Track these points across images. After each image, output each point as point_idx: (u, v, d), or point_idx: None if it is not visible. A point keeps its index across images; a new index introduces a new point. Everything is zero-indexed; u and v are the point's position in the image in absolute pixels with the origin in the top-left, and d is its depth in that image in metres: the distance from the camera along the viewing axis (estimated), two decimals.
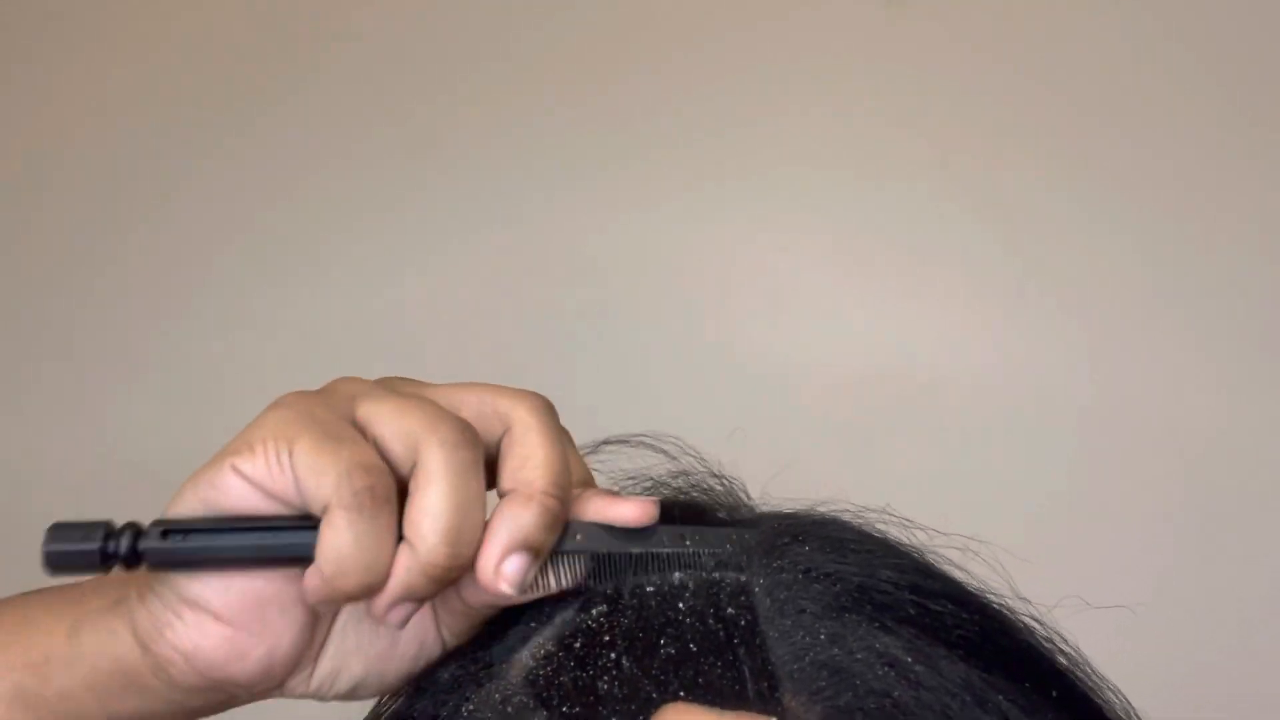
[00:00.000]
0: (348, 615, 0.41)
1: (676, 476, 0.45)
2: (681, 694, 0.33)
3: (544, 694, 0.34)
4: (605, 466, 0.45)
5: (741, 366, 1.11)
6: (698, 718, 0.29)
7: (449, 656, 0.41)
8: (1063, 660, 0.39)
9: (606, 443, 0.46)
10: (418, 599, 0.37)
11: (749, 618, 0.36)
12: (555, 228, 1.13)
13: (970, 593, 0.40)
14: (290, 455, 0.36)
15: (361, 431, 0.38)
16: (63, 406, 1.16)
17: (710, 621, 0.35)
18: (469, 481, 0.37)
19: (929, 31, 1.10)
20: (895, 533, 0.42)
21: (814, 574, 0.37)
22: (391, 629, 0.41)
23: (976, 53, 1.10)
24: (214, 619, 0.38)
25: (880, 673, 0.33)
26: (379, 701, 0.43)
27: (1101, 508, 1.07)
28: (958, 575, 0.41)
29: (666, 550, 0.39)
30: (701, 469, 0.45)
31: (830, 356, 1.09)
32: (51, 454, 1.15)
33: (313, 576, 0.36)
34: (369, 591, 0.36)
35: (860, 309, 1.10)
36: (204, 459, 0.39)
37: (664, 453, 0.46)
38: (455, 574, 0.37)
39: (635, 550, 0.38)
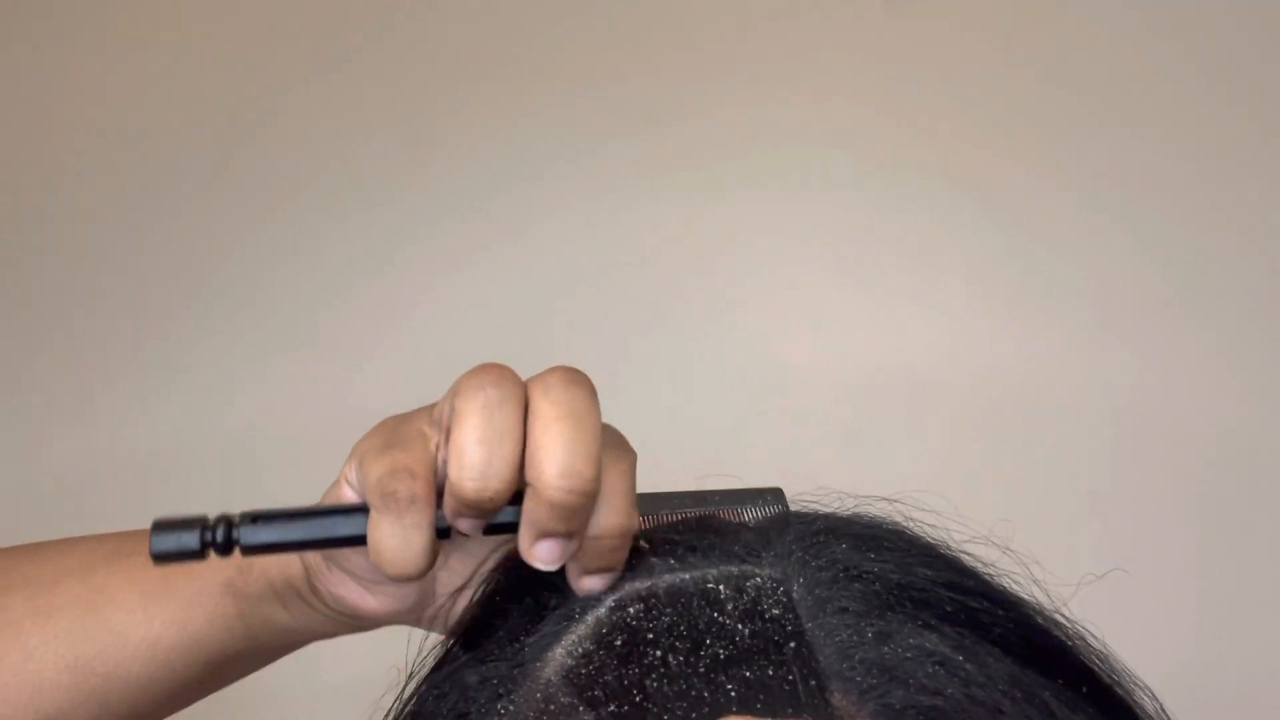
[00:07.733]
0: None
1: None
2: (732, 691, 0.32)
3: (588, 693, 0.34)
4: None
5: (740, 366, 1.10)
6: None
7: (474, 657, 0.40)
8: (1093, 657, 0.39)
9: None
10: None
11: (791, 616, 0.35)
12: (550, 227, 1.12)
13: (1001, 589, 0.40)
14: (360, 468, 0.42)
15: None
16: (66, 408, 1.13)
17: (756, 621, 0.35)
18: (496, 418, 0.39)
19: (930, 28, 1.09)
20: (922, 528, 0.42)
21: (853, 572, 0.37)
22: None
23: (979, 50, 1.09)
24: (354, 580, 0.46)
25: (931, 670, 0.33)
26: (396, 700, 0.43)
27: (1101, 507, 1.07)
28: (985, 572, 0.41)
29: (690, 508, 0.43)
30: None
31: (829, 356, 1.09)
32: (56, 455, 1.11)
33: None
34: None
35: (860, 308, 1.10)
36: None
37: None
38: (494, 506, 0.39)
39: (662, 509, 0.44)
